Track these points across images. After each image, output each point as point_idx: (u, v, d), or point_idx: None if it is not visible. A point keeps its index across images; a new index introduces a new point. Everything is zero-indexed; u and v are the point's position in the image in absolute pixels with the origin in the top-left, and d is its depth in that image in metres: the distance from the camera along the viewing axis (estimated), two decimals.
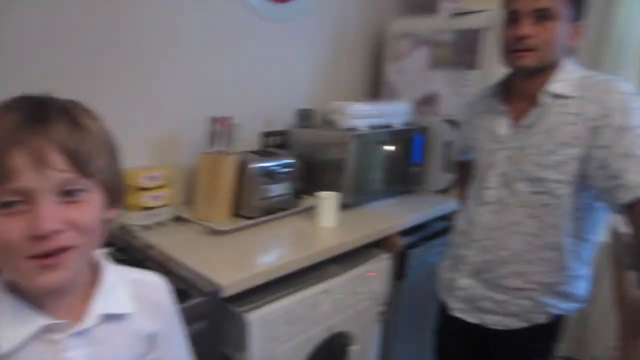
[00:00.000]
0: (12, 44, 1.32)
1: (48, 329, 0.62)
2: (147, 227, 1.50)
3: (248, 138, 1.88)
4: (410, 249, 1.74)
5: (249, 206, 1.63)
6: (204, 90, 1.77)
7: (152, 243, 1.39)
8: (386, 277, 1.66)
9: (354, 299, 1.53)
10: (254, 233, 1.56)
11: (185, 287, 1.16)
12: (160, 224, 1.54)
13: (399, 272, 1.71)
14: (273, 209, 1.68)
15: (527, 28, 1.13)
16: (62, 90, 0.64)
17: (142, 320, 0.73)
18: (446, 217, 1.81)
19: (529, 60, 1.15)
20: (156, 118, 1.66)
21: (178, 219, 1.59)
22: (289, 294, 1.35)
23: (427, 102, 2.10)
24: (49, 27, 1.38)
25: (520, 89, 1.22)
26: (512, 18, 1.15)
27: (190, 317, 0.94)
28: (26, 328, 0.61)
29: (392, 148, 1.93)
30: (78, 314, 0.66)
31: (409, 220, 1.77)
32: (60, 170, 0.57)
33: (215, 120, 1.63)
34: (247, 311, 1.25)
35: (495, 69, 1.81)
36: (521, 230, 1.20)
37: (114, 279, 0.71)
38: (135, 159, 1.57)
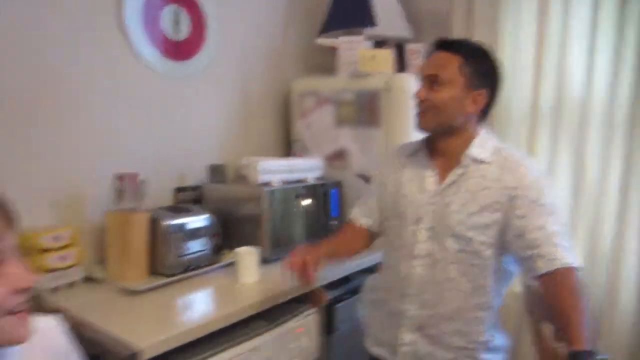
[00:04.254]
0: None
1: None
2: (54, 290, 1.36)
3: (160, 194, 1.81)
4: (338, 303, 1.73)
5: (166, 264, 1.54)
6: (108, 147, 1.69)
7: (61, 307, 1.25)
8: (315, 332, 1.62)
9: (285, 356, 1.48)
10: (173, 291, 1.47)
11: (99, 352, 1.05)
12: (69, 286, 1.41)
13: (328, 326, 1.69)
14: (191, 266, 1.60)
15: (421, 91, 1.24)
16: None
17: None
18: (370, 270, 1.82)
19: (424, 123, 1.26)
20: (57, 175, 1.55)
21: (89, 280, 1.46)
22: (214, 354, 1.27)
23: (337, 157, 2.18)
24: None
25: (440, 148, 1.28)
26: (420, 82, 1.27)
27: None
28: None
29: (308, 202, 1.95)
30: None
31: (333, 274, 1.75)
32: None
33: (120, 177, 1.56)
34: None
35: (396, 128, 1.98)
36: (456, 287, 1.22)
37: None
38: (36, 218, 1.45)
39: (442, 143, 1.27)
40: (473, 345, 1.23)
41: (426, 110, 1.24)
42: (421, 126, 1.27)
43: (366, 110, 2.09)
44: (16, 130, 1.45)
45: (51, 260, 1.36)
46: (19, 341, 0.62)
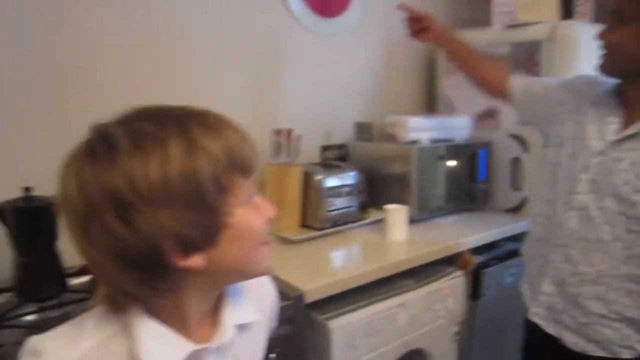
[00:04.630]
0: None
1: (195, 353, 0.59)
2: None
3: (308, 151, 1.87)
4: (485, 268, 1.67)
5: (317, 217, 1.60)
6: (262, 102, 1.79)
7: None
8: (461, 295, 1.58)
9: (430, 316, 1.47)
10: (324, 243, 1.53)
11: None
12: None
13: (474, 291, 1.64)
14: (339, 221, 1.64)
15: (602, 30, 1.09)
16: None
17: (261, 326, 0.72)
18: (516, 238, 1.72)
19: (606, 67, 1.12)
20: None
21: None
22: (366, 304, 1.31)
23: (487, 116, 2.05)
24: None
25: (629, 97, 1.12)
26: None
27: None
28: (177, 354, 0.58)
29: (454, 163, 1.88)
30: (210, 328, 0.63)
31: (480, 238, 1.68)
32: None
33: (278, 132, 1.63)
34: (329, 319, 1.20)
35: None
36: (607, 250, 1.09)
37: (234, 287, 0.67)
38: None
39: (632, 91, 1.11)
40: (614, 316, 1.10)
41: (609, 53, 1.10)
42: (603, 70, 1.13)
43: (523, 63, 1.93)
44: (184, 82, 1.58)
45: None
46: (267, 272, 0.64)
